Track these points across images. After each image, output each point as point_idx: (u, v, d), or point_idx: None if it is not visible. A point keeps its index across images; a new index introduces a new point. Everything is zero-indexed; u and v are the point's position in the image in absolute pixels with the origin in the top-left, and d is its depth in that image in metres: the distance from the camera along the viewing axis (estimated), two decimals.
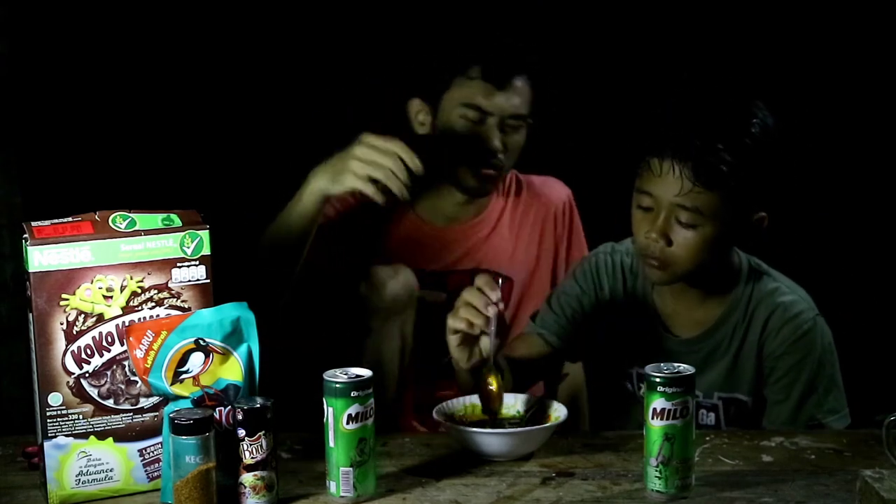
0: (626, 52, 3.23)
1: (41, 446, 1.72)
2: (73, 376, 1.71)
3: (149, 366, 1.68)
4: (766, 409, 2.12)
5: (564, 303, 2.27)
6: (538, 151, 2.48)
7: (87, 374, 1.71)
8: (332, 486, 1.71)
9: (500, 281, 1.97)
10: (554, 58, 2.57)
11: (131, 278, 1.72)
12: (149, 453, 1.76)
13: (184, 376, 1.69)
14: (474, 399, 1.99)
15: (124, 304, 1.72)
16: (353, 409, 1.68)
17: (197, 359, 1.70)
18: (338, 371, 1.71)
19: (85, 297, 1.70)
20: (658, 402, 1.69)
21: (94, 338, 1.71)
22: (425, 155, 2.19)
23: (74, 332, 1.70)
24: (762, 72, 3.01)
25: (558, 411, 1.94)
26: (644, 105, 2.08)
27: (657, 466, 1.71)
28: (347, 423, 1.68)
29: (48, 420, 1.70)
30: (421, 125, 2.43)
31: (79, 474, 1.72)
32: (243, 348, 1.72)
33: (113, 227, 1.72)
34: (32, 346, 1.70)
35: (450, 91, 2.38)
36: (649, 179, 2.02)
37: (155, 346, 1.68)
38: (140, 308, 1.73)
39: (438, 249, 2.46)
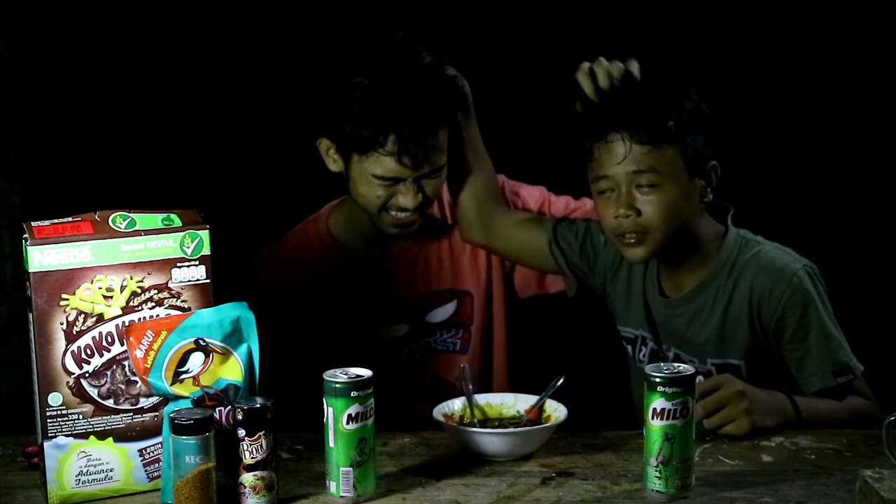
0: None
1: (41, 446, 1.72)
2: (73, 376, 1.71)
3: (149, 366, 1.68)
4: (794, 374, 2.09)
5: (570, 233, 2.30)
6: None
7: (87, 374, 1.71)
8: (332, 486, 1.71)
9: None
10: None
11: (131, 278, 1.72)
12: (149, 453, 1.75)
13: (184, 376, 1.69)
14: (474, 399, 1.99)
15: (124, 304, 1.72)
16: (353, 409, 1.68)
17: (197, 359, 1.70)
18: (338, 371, 1.71)
19: (85, 297, 1.70)
20: (658, 402, 1.69)
21: (94, 338, 1.71)
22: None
23: (74, 332, 1.70)
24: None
25: (558, 411, 1.94)
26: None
27: (657, 466, 1.71)
28: (347, 423, 1.68)
29: (48, 420, 1.70)
30: (334, 162, 2.26)
31: (79, 474, 1.72)
32: (243, 348, 1.72)
33: (113, 227, 1.72)
34: (32, 346, 1.70)
35: (360, 155, 2.19)
36: (599, 164, 2.07)
37: (155, 346, 1.68)
38: (140, 308, 1.73)
39: (386, 280, 2.37)
